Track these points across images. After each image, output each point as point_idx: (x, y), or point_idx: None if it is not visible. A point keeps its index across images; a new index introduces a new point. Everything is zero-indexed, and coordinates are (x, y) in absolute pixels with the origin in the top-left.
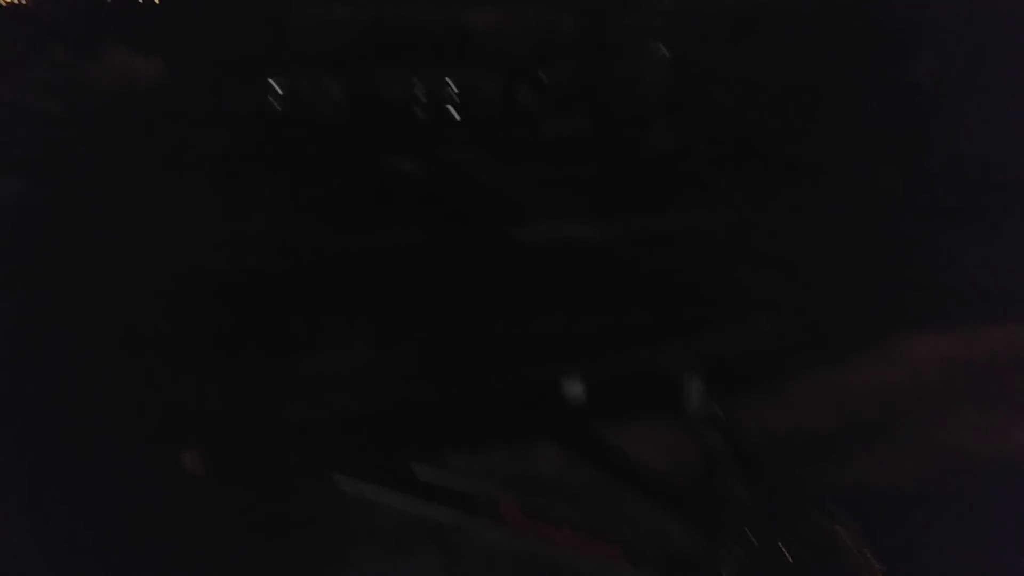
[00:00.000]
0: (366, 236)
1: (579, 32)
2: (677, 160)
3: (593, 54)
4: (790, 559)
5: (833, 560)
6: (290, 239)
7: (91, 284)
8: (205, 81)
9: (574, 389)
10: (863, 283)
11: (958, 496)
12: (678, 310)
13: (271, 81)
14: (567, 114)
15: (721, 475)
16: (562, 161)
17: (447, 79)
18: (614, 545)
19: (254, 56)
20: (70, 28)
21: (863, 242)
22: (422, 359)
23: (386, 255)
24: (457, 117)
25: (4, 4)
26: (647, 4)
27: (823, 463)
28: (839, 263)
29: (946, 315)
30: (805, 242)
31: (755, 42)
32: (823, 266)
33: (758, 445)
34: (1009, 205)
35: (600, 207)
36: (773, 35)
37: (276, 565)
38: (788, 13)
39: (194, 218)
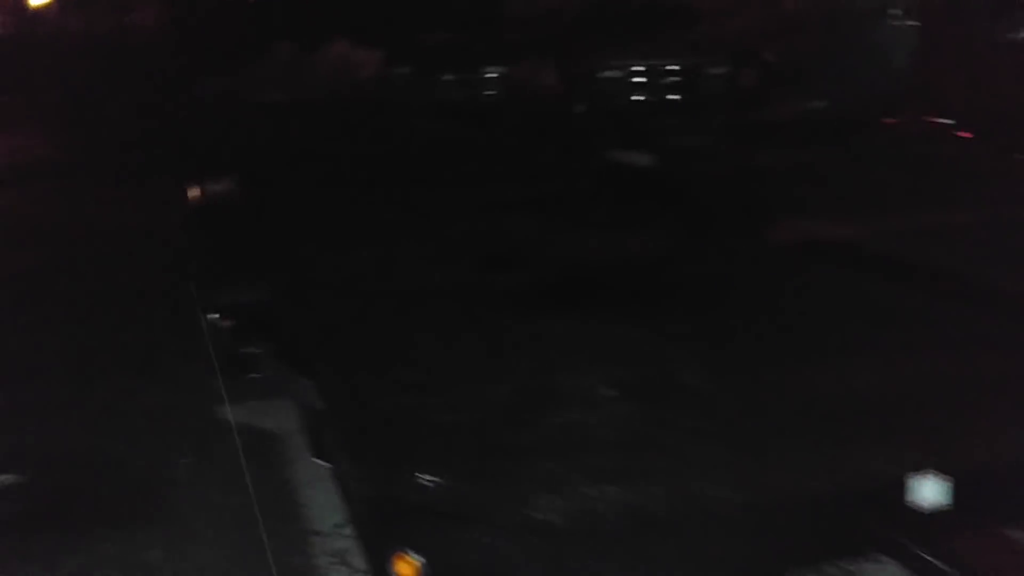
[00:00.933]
0: (592, 240)
1: (809, 5)
2: (934, 145)
3: (825, 28)
4: None
5: None
6: (506, 245)
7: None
8: (422, 71)
9: (925, 488)
10: None
11: None
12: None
13: (487, 70)
14: (799, 96)
15: None
16: (800, 148)
17: (669, 63)
18: None
19: (469, 44)
20: (292, 20)
21: None
22: (688, 422)
23: (617, 263)
24: (680, 103)
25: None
26: None
27: None
28: None
29: None
30: None
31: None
32: None
33: None
34: None
35: (850, 201)
36: None
37: None
38: None
39: (407, 218)
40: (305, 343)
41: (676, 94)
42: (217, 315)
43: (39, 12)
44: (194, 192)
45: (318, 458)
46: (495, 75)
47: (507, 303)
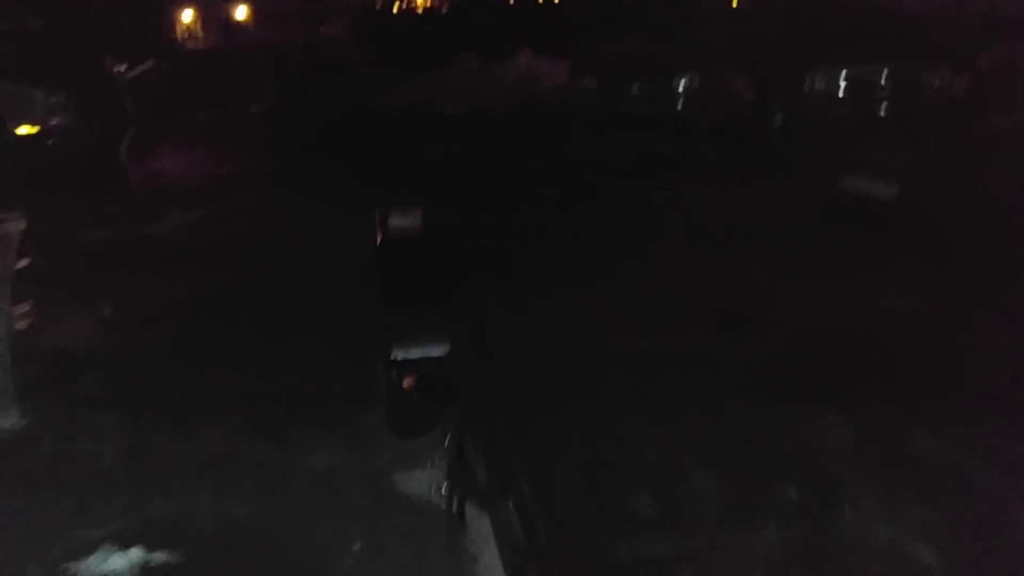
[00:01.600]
0: (843, 294)
1: None
2: None
3: None
4: None
5: None
6: (734, 296)
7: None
8: (604, 82)
9: None
10: None
11: None
12: None
13: (676, 80)
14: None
15: None
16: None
17: (881, 70)
18: None
19: (657, 53)
20: (479, 33)
21: None
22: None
23: (880, 329)
24: (889, 117)
25: (420, 11)
26: None
27: None
28: None
29: None
30: None
31: None
32: None
33: None
34: None
35: None
36: None
37: None
38: None
39: (610, 258)
40: (504, 435)
41: (884, 106)
42: (400, 371)
43: (239, 26)
44: (382, 220)
45: None
46: (684, 86)
47: (748, 380)
